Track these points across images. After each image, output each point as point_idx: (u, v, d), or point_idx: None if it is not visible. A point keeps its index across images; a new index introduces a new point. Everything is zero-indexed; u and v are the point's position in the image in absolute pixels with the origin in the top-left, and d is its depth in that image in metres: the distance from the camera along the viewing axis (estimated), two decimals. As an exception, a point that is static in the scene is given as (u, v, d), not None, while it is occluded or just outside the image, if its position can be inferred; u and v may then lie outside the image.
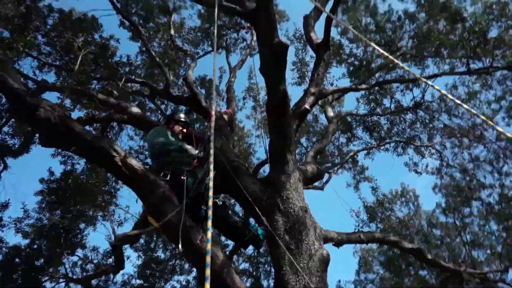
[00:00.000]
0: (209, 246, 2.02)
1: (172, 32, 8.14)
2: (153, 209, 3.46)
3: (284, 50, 3.73)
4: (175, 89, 6.66)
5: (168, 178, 3.68)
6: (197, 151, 4.23)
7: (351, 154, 9.24)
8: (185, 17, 9.56)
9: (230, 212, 3.78)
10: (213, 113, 2.89)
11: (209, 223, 2.11)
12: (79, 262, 9.22)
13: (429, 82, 2.50)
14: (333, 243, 4.53)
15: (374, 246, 18.64)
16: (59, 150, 8.13)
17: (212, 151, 2.59)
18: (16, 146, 6.97)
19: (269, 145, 4.34)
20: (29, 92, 3.50)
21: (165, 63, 7.44)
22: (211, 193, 2.30)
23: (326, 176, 10.70)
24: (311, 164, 5.39)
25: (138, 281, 9.58)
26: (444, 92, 2.58)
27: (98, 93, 5.90)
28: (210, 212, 2.18)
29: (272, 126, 4.24)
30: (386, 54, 2.82)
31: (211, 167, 2.53)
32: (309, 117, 11.81)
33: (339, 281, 14.02)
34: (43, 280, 8.65)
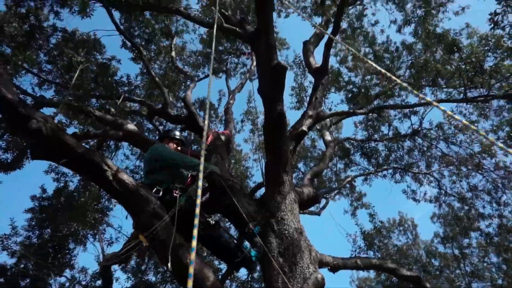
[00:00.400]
0: (191, 270, 1.87)
1: (173, 54, 8.25)
2: (142, 226, 3.35)
3: (283, 71, 3.74)
4: (173, 110, 6.64)
5: (160, 194, 3.59)
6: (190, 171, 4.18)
7: (349, 179, 9.15)
8: (186, 41, 9.78)
9: (223, 233, 3.65)
10: (205, 127, 2.84)
11: (194, 243, 2.01)
12: (67, 284, 8.89)
13: (436, 104, 2.47)
14: (329, 268, 4.37)
15: (372, 275, 18.19)
16: (53, 167, 8.04)
17: (201, 167, 2.52)
18: (8, 160, 6.88)
19: (265, 166, 4.29)
20: (23, 103, 3.45)
21: (165, 84, 7.49)
22: (197, 211, 2.20)
23: (323, 201, 10.57)
24: (307, 187, 5.30)
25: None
26: (450, 112, 2.54)
27: (96, 110, 5.88)
28: (195, 232, 2.09)
29: (268, 146, 4.19)
30: (385, 72, 2.82)
31: (200, 183, 2.45)
32: (307, 142, 11.84)
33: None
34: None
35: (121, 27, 7.11)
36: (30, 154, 3.53)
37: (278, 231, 3.68)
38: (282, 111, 4.00)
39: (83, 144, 4.15)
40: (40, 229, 8.83)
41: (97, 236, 7.17)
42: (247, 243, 3.68)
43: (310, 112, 5.08)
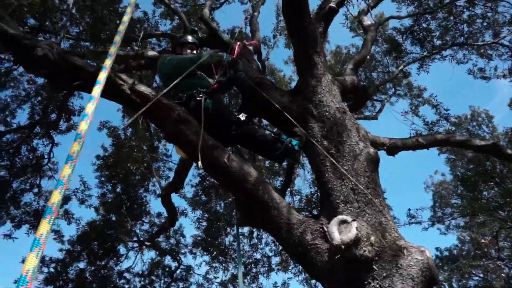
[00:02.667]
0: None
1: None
2: (170, 135, 3.18)
3: None
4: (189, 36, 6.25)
5: (183, 100, 3.36)
6: (216, 77, 3.88)
7: (401, 67, 8.12)
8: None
9: (257, 128, 3.37)
10: None
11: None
12: (146, 228, 9.66)
13: None
14: (385, 149, 3.94)
15: (448, 177, 17.24)
16: (103, 123, 8.32)
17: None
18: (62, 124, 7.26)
19: (293, 51, 3.81)
20: (26, 36, 3.32)
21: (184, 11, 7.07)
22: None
23: (378, 104, 9.81)
24: (350, 76, 4.75)
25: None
26: None
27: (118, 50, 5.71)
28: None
29: (292, 29, 3.68)
30: None
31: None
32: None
33: (409, 209, 13.05)
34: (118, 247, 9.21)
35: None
36: (49, 88, 3.48)
37: (318, 115, 3.30)
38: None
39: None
40: (111, 184, 9.50)
41: (153, 174, 7.45)
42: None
43: (337, -13, 4.36)
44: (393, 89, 10.16)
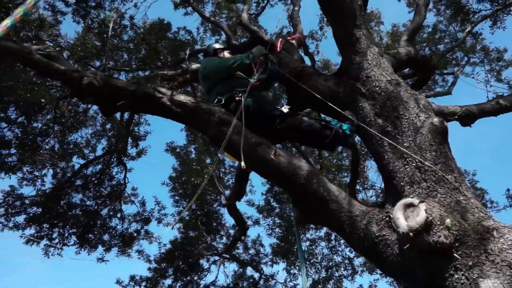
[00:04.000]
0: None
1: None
2: (215, 139, 3.10)
3: None
4: (237, 41, 6.27)
5: (222, 102, 3.28)
6: (257, 75, 3.77)
7: (468, 29, 7.06)
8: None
9: (302, 118, 3.13)
10: None
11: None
12: (224, 241, 9.82)
13: None
14: (457, 118, 3.39)
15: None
16: (170, 144, 8.71)
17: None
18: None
19: (333, 32, 3.52)
20: (76, 70, 3.56)
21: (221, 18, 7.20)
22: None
23: (450, 78, 8.77)
24: (404, 48, 4.26)
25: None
26: None
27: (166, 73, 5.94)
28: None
29: (325, 7, 3.40)
30: None
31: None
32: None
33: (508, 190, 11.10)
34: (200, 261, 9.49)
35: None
36: (101, 113, 3.67)
37: (367, 92, 2.96)
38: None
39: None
40: (186, 202, 9.89)
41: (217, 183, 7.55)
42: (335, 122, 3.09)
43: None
44: (466, 58, 9.03)
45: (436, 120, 2.54)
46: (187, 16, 8.11)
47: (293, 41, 5.17)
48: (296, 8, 7.02)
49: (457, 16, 7.18)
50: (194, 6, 7.06)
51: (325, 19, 9.45)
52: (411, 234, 1.94)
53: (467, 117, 3.39)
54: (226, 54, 3.84)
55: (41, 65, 3.63)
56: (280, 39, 5.04)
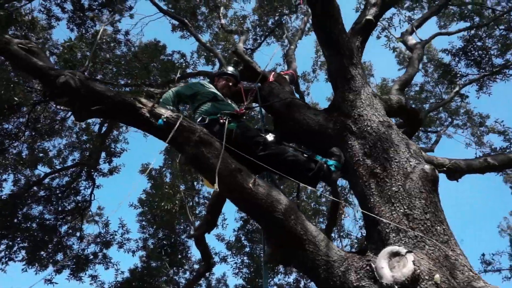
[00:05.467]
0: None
1: (222, 21, 7.90)
2: (191, 159, 2.87)
3: None
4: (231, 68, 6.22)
5: (206, 122, 3.12)
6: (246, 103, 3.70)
7: (457, 90, 7.27)
8: (237, 10, 9.22)
9: (287, 147, 2.96)
10: None
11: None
12: (187, 276, 9.21)
13: None
14: (445, 170, 3.28)
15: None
16: (145, 165, 8.35)
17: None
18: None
19: (327, 66, 3.46)
20: (54, 68, 3.35)
21: (218, 48, 7.21)
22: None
23: (433, 136, 8.91)
24: (395, 95, 4.25)
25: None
26: None
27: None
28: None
29: (323, 40, 3.36)
30: None
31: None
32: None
33: (483, 255, 10.85)
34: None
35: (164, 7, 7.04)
36: (74, 117, 3.42)
37: (358, 131, 2.83)
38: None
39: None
40: (153, 229, 9.35)
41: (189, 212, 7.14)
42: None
43: (373, 0, 4.04)
44: (450, 119, 9.26)
45: (427, 167, 2.40)
46: (183, 39, 8.14)
47: (286, 76, 5.14)
48: (292, 46, 7.13)
49: (444, 78, 7.43)
50: (191, 30, 7.07)
51: (319, 62, 9.66)
52: (396, 287, 1.71)
53: (455, 171, 3.30)
54: (222, 82, 3.75)
55: (17, 57, 3.40)
56: (273, 72, 5.00)
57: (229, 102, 3.62)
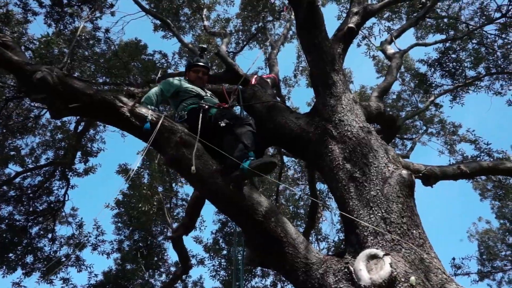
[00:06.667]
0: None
1: (206, 23, 7.87)
2: (171, 160, 2.84)
3: None
4: (213, 71, 6.19)
5: (185, 117, 3.10)
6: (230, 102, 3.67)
7: (432, 99, 7.54)
8: (219, 14, 9.21)
9: (230, 138, 2.85)
10: None
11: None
12: (163, 278, 9.05)
13: None
14: (421, 176, 3.39)
15: (495, 224, 15.60)
16: (123, 166, 8.17)
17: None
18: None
19: (310, 72, 3.51)
20: (30, 63, 3.24)
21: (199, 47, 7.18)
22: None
23: (409, 143, 9.18)
24: (375, 102, 4.35)
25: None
26: None
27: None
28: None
29: (306, 46, 3.41)
30: None
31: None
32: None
33: (453, 259, 11.13)
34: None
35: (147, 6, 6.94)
36: (50, 114, 3.30)
37: (338, 135, 2.88)
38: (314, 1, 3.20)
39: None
40: (129, 230, 9.14)
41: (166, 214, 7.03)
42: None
43: (355, 9, 4.12)
44: (424, 127, 9.57)
45: (404, 172, 2.47)
46: (165, 39, 8.06)
47: (268, 80, 5.17)
48: (274, 51, 7.18)
49: (420, 87, 7.69)
50: (173, 31, 7.01)
51: (300, 68, 9.77)
52: (373, 288, 1.75)
53: (430, 177, 3.41)
54: (192, 75, 3.66)
55: (-9, 51, 3.28)
56: (255, 76, 5.02)
57: (211, 97, 3.54)
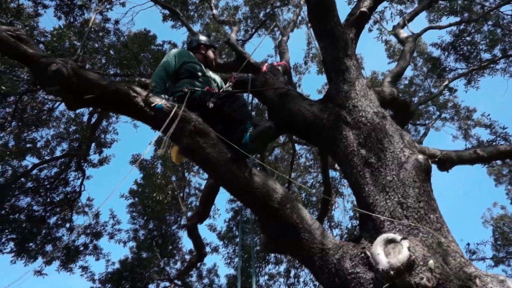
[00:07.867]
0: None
1: (214, 12, 7.82)
2: (186, 150, 2.87)
3: None
4: (222, 59, 6.18)
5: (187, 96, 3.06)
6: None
7: (446, 83, 7.38)
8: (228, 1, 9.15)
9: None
10: None
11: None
12: (178, 266, 9.24)
13: None
14: (437, 161, 3.35)
15: (511, 210, 15.38)
16: (135, 156, 8.28)
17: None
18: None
19: (322, 58, 3.47)
20: (45, 56, 3.27)
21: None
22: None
23: (421, 129, 9.07)
24: (388, 88, 4.30)
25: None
26: None
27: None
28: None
29: (318, 31, 3.37)
30: None
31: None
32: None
33: (468, 244, 11.02)
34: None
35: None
36: (66, 106, 3.35)
37: (352, 121, 2.86)
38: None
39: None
40: (144, 220, 9.31)
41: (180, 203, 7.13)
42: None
43: (368, -8, 4.05)
44: (438, 112, 9.42)
45: (421, 157, 2.45)
46: (174, 29, 8.04)
47: (279, 67, 5.14)
48: (284, 38, 7.11)
49: (433, 72, 7.53)
50: (182, 20, 6.98)
51: (310, 54, 9.66)
52: (391, 272, 1.76)
53: (446, 162, 3.37)
54: (210, 53, 3.58)
55: (6, 44, 3.31)
56: (266, 64, 4.98)
57: (213, 76, 3.40)
